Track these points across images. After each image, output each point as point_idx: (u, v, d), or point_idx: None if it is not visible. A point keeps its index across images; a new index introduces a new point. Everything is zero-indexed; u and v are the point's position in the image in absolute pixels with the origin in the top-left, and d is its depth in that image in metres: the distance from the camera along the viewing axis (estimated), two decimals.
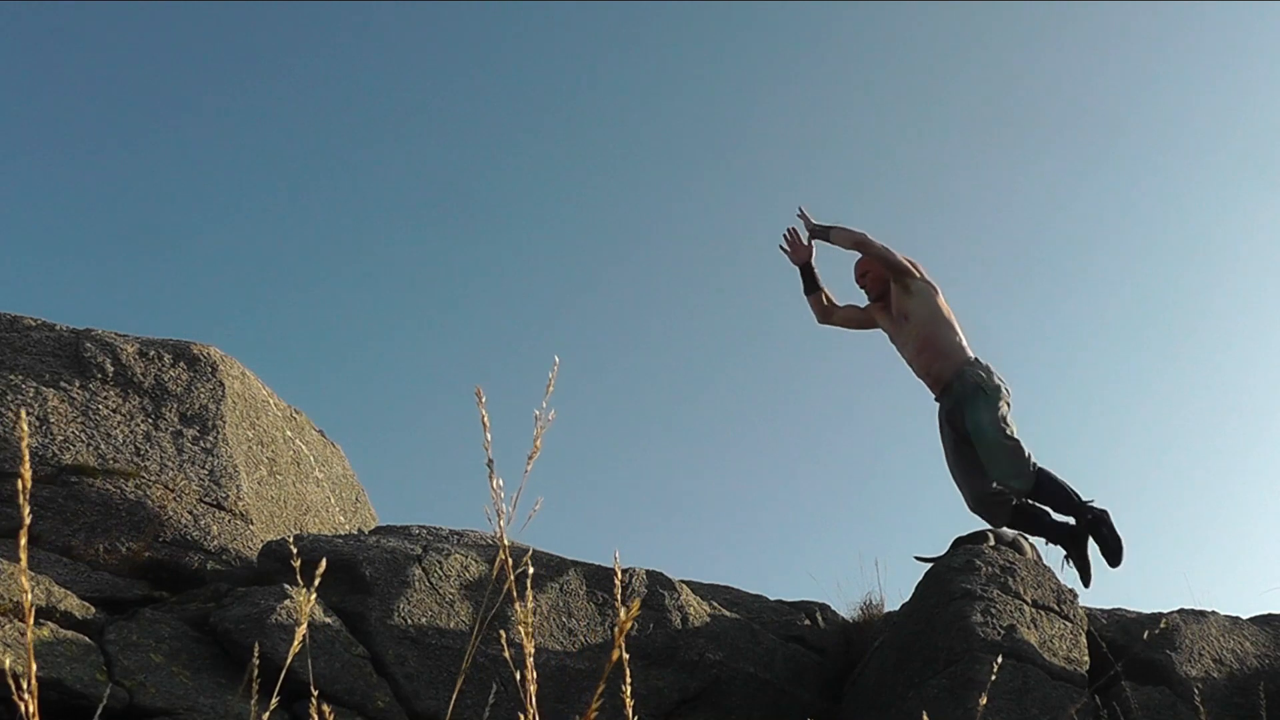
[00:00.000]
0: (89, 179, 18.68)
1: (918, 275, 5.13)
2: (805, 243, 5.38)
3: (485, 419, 1.65)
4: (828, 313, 5.43)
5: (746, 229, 20.93)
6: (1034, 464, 4.78)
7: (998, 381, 4.90)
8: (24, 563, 0.80)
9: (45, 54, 17.14)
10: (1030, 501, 4.83)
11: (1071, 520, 4.77)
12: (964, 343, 5.05)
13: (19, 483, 0.79)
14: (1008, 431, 4.79)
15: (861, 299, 5.34)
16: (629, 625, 1.05)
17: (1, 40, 16.24)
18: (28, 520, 0.79)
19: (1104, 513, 4.75)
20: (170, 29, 18.07)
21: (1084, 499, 4.77)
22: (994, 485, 4.78)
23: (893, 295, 5.16)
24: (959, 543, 4.89)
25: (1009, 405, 4.90)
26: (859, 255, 5.24)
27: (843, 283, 5.44)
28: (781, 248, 5.43)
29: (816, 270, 5.44)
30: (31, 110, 17.51)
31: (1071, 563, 4.73)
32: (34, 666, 0.78)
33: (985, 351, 5.15)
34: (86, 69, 17.91)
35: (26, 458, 0.79)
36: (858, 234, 5.23)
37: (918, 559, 4.95)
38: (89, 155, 18.63)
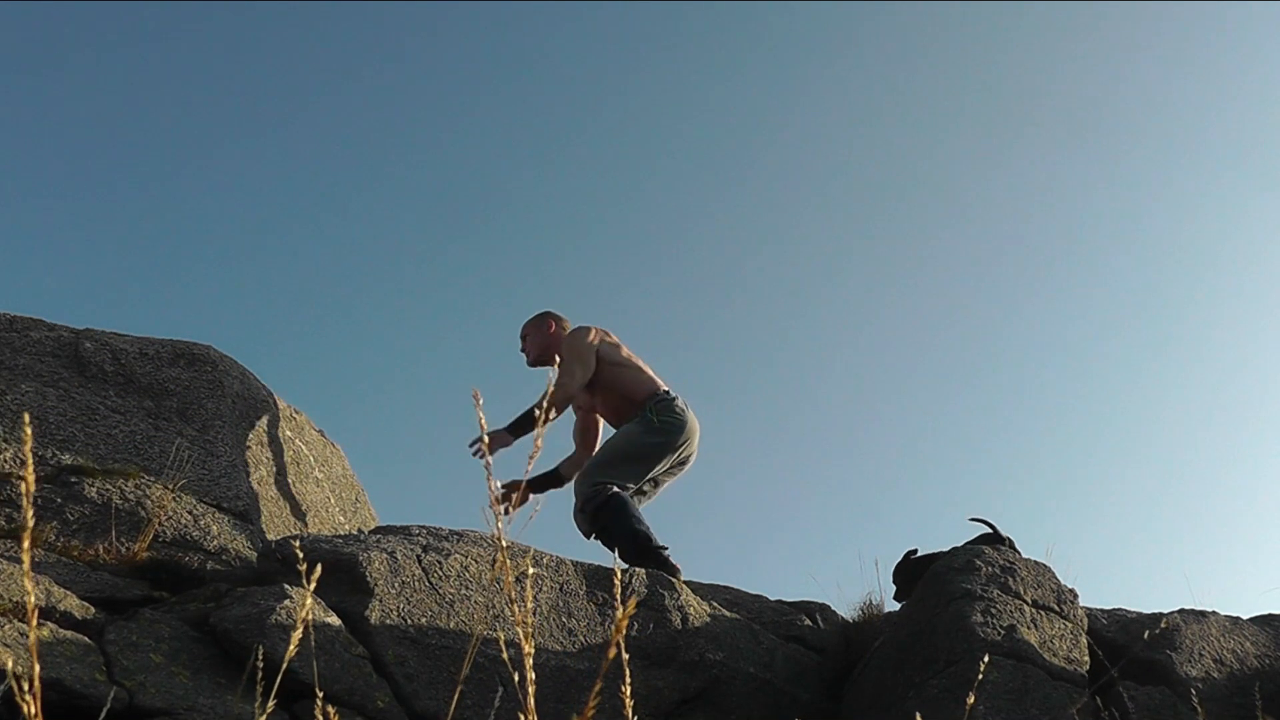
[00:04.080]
0: (89, 178, 18.67)
1: (592, 364, 4.94)
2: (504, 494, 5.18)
3: (483, 421, 1.65)
4: (588, 439, 5.23)
5: (748, 231, 20.93)
6: (612, 493, 4.58)
7: (682, 421, 4.78)
8: (27, 565, 0.80)
9: (46, 52, 17.13)
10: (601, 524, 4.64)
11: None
12: (651, 375, 4.96)
13: (22, 485, 0.79)
14: (621, 449, 4.66)
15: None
16: (625, 625, 1.05)
17: (2, 38, 16.23)
18: (30, 524, 0.78)
19: (669, 567, 4.50)
20: (173, 28, 18.07)
21: (658, 544, 4.55)
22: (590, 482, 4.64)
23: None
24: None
25: (667, 447, 4.75)
26: (526, 321, 5.19)
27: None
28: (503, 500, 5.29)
29: (541, 479, 5.18)
30: (32, 109, 17.50)
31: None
32: (37, 668, 0.78)
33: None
34: (87, 67, 17.91)
35: (30, 463, 0.79)
36: (558, 400, 4.92)
37: (972, 519, 4.96)
38: (89, 154, 18.62)
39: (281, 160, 19.99)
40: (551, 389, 4.98)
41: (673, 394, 4.91)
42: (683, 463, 4.95)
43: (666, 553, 4.54)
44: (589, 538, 4.72)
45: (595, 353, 4.95)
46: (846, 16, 20.54)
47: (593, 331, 4.98)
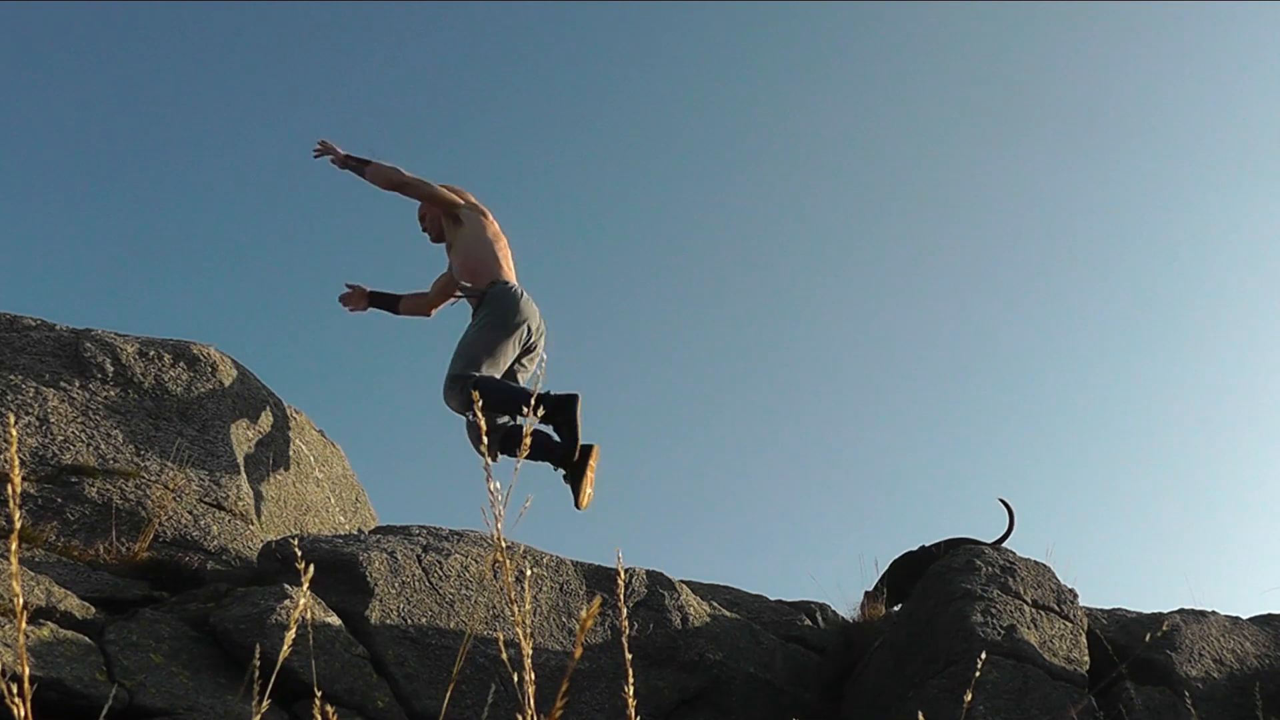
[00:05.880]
0: (90, 177, 18.70)
1: (464, 203, 5.12)
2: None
3: (482, 422, 1.66)
4: (429, 307, 5.43)
5: (746, 231, 20.95)
6: (477, 379, 4.55)
7: (517, 306, 4.82)
8: (15, 567, 0.80)
9: (45, 52, 17.15)
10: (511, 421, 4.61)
11: (553, 436, 4.46)
12: (504, 265, 5.01)
13: (9, 488, 0.79)
14: (475, 348, 4.66)
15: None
16: (589, 624, 1.05)
17: (3, 37, 16.26)
18: (19, 525, 0.78)
19: (564, 398, 4.46)
20: (172, 27, 18.09)
21: (545, 391, 4.53)
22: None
23: (446, 230, 5.18)
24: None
25: (512, 334, 4.77)
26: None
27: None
28: (341, 300, 5.43)
29: (383, 297, 5.44)
30: (31, 108, 17.53)
31: (566, 478, 4.47)
32: (27, 670, 0.78)
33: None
34: (87, 67, 17.93)
35: (16, 464, 0.79)
36: (391, 173, 5.15)
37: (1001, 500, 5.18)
38: (89, 153, 18.64)
39: (281, 159, 20.01)
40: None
41: (515, 285, 4.99)
42: (529, 350, 4.99)
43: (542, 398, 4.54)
44: (464, 414, 4.69)
45: (469, 203, 5.13)
46: (847, 16, 20.54)
47: (474, 199, 5.19)
